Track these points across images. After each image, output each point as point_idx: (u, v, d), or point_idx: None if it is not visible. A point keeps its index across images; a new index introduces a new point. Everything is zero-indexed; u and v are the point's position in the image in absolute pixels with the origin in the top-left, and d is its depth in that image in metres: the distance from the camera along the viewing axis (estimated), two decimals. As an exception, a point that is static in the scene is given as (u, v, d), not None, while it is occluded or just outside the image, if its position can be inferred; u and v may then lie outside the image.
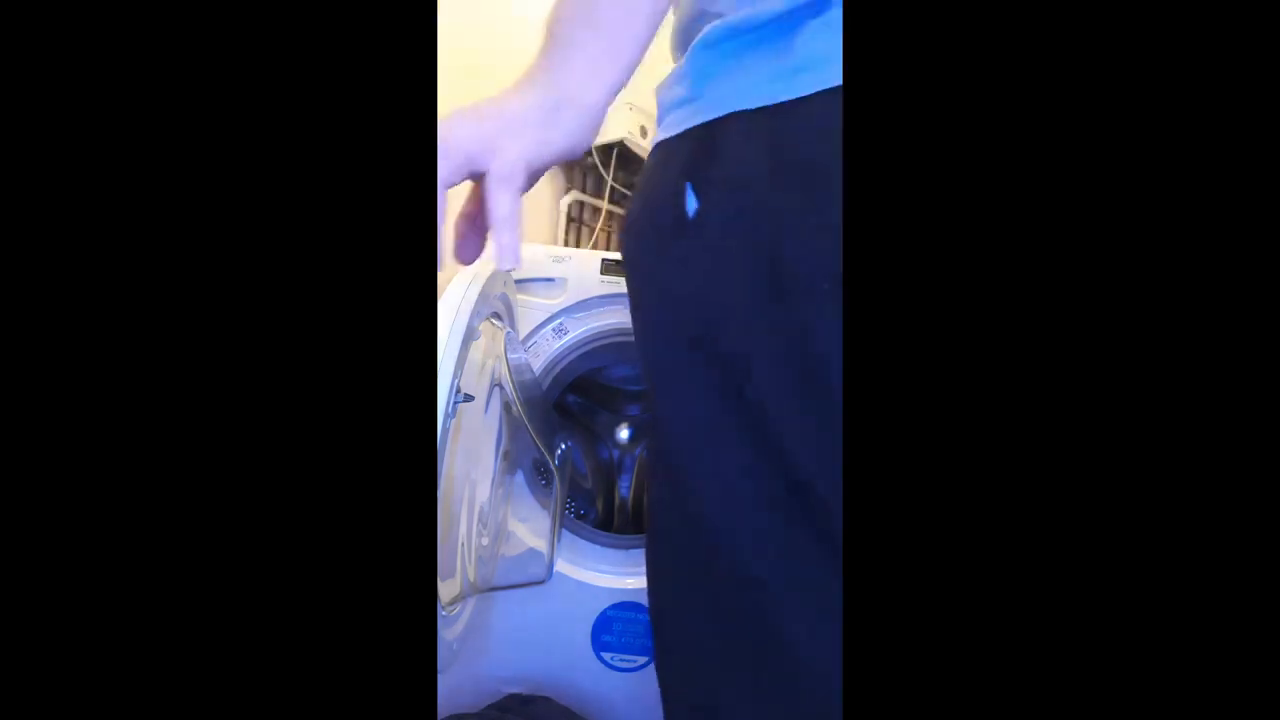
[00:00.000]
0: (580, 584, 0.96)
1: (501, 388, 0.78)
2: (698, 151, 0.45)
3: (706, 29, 0.46)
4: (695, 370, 0.45)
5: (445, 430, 0.59)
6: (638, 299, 0.52)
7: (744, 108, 0.43)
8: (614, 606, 0.96)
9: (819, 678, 0.39)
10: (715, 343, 0.43)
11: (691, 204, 0.44)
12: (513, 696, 0.91)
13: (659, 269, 0.47)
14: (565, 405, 1.19)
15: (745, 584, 0.43)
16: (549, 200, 1.54)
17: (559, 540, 0.94)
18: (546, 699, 0.92)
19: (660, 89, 0.52)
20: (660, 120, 0.51)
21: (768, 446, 0.41)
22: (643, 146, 1.40)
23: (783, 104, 0.41)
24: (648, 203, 0.49)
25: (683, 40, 0.51)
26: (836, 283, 0.36)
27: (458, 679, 0.93)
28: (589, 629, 0.96)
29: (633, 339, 1.02)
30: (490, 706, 0.89)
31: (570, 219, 1.54)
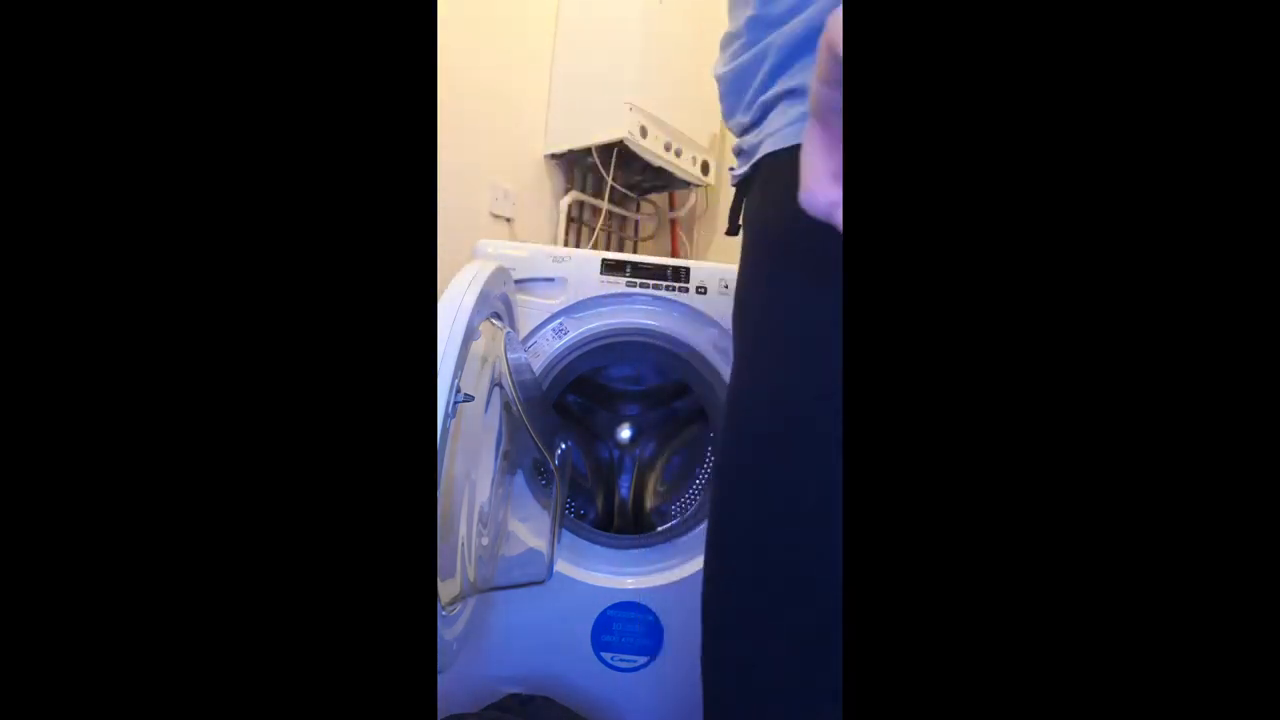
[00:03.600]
0: (580, 584, 0.96)
1: (501, 388, 0.79)
2: None
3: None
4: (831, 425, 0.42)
5: (445, 430, 0.59)
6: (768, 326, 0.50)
7: None
8: (614, 606, 0.96)
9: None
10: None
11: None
12: (512, 696, 0.91)
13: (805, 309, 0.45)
14: (565, 405, 1.19)
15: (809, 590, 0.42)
16: (549, 200, 1.54)
17: (559, 540, 0.94)
18: (546, 699, 0.92)
19: (760, 89, 0.49)
20: (759, 123, 0.48)
21: None
22: (643, 146, 1.40)
23: None
24: (791, 227, 0.46)
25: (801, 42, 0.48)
26: None
27: (458, 679, 0.93)
28: (589, 629, 0.96)
29: (632, 339, 1.02)
30: (490, 707, 0.89)
31: (570, 219, 1.54)
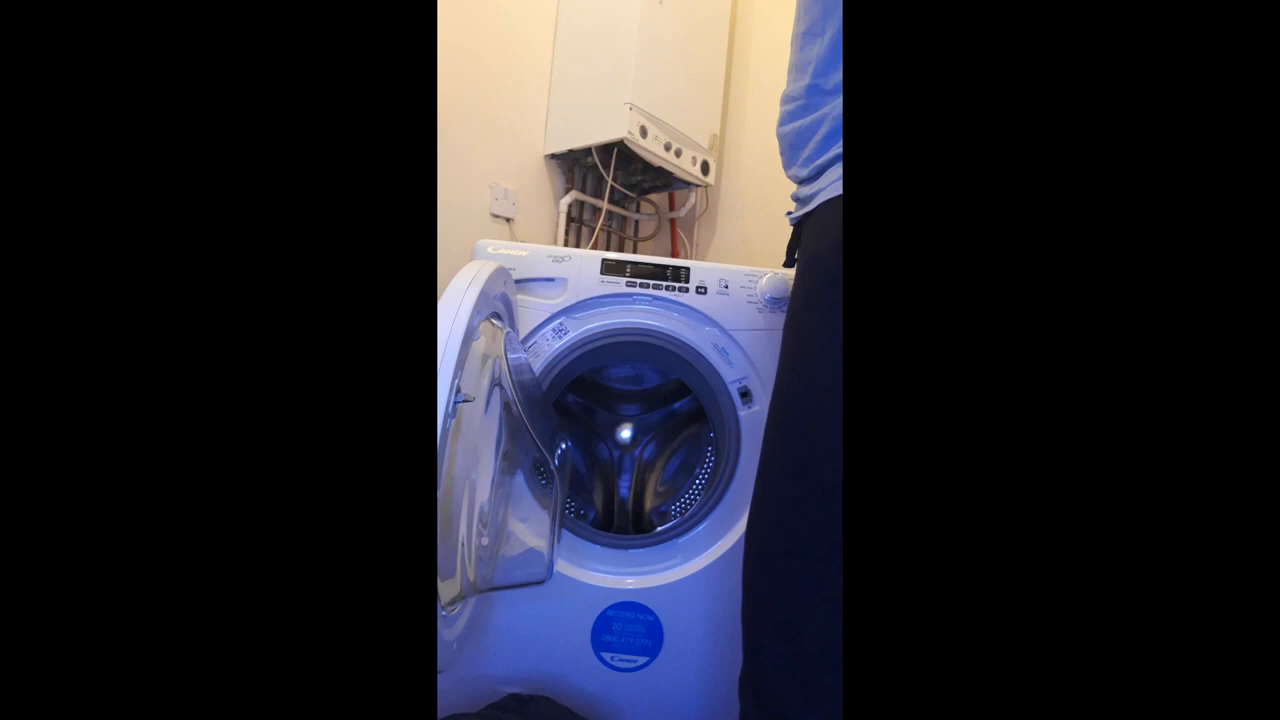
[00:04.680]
0: (580, 584, 0.96)
1: (501, 388, 0.78)
2: None
3: None
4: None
5: (445, 430, 0.59)
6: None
7: None
8: (614, 606, 0.96)
9: None
10: None
11: None
12: (512, 696, 0.91)
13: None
14: (565, 405, 1.19)
15: None
16: (549, 200, 1.54)
17: (559, 540, 0.94)
18: (546, 699, 0.92)
19: (816, 152, 0.60)
20: (815, 179, 0.59)
21: None
22: (643, 146, 1.40)
23: None
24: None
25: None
26: None
27: (458, 679, 0.93)
28: (589, 629, 0.96)
29: (632, 339, 1.02)
30: (490, 706, 0.89)
31: (570, 219, 1.54)
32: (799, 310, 0.64)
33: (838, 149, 0.60)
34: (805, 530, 0.55)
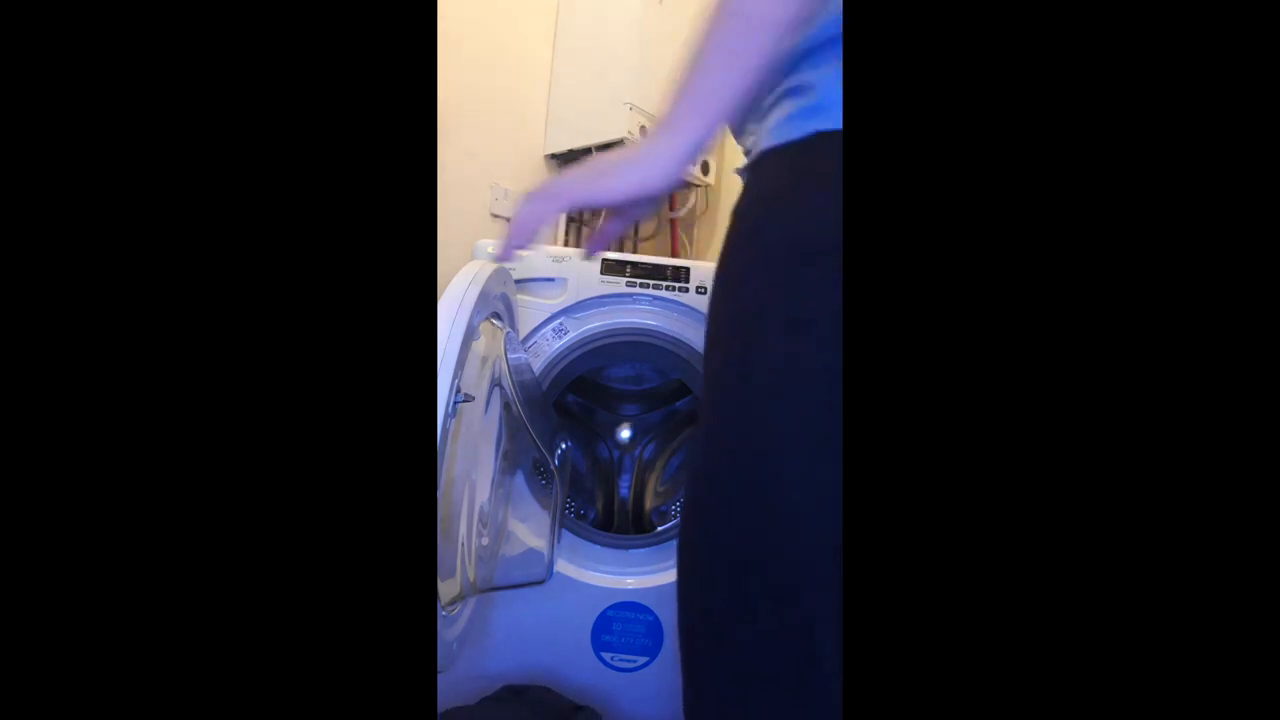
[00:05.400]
0: (580, 584, 0.96)
1: (501, 388, 0.79)
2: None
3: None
4: (805, 369, 0.41)
5: (445, 430, 0.59)
6: (788, 285, 0.46)
7: None
8: (614, 606, 0.96)
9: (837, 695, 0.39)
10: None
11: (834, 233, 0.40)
12: (507, 688, 0.91)
13: (788, 287, 0.44)
14: (565, 405, 1.19)
15: (790, 598, 0.41)
16: (549, 200, 1.54)
17: (559, 540, 0.94)
18: (543, 687, 0.92)
19: (815, 72, 0.48)
20: (822, 109, 0.47)
21: None
22: (643, 146, 1.40)
23: None
24: (784, 217, 0.46)
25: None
26: None
27: (458, 679, 0.93)
28: (589, 629, 0.96)
29: (632, 339, 1.02)
30: (485, 699, 0.89)
31: (570, 219, 1.54)
32: (716, 282, 0.52)
33: (787, 84, 0.50)
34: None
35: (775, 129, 0.49)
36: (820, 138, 0.45)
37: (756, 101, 0.52)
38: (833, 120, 0.44)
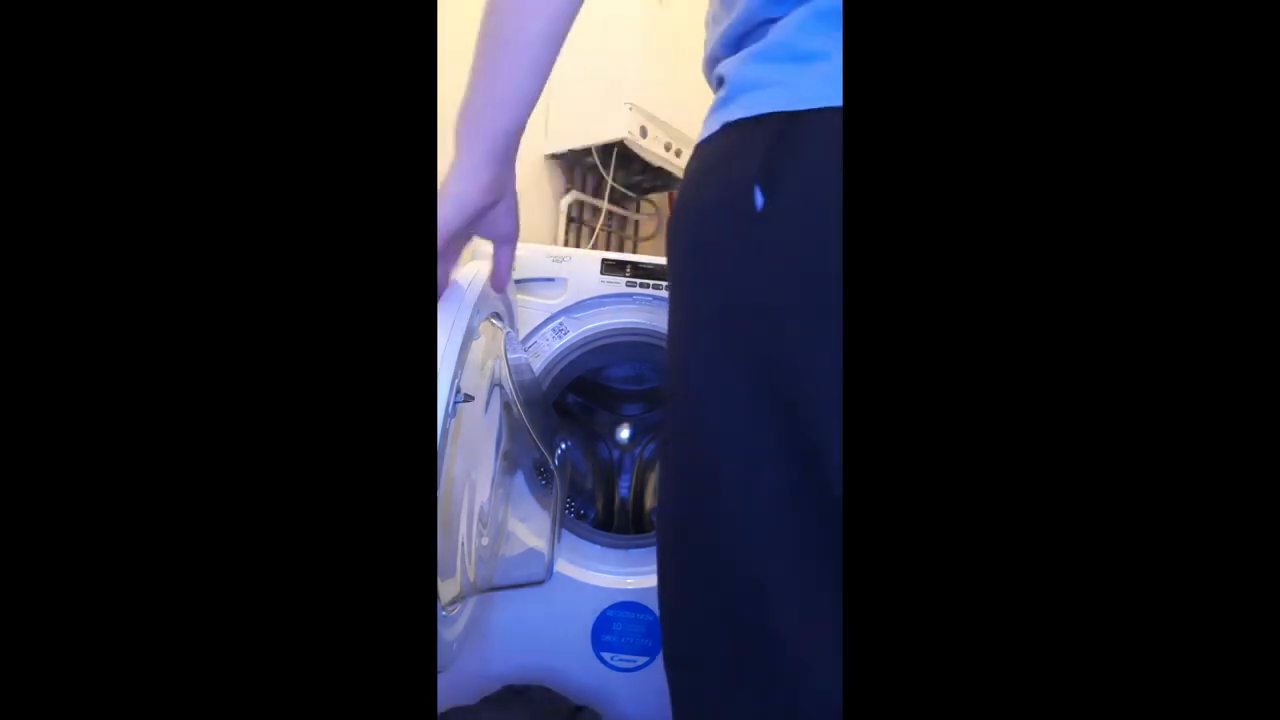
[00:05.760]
0: (580, 584, 0.96)
1: (501, 388, 0.78)
2: (776, 141, 0.42)
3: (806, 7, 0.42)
4: (742, 373, 0.42)
5: (445, 430, 0.59)
6: (688, 288, 0.48)
7: (836, 104, 0.39)
8: (614, 606, 0.96)
9: (821, 694, 0.39)
10: (772, 355, 0.41)
11: (759, 199, 0.41)
12: (507, 688, 0.91)
13: (722, 261, 0.44)
14: (565, 405, 1.19)
15: (757, 591, 0.41)
16: (549, 200, 1.54)
17: (559, 540, 0.94)
18: (542, 687, 0.92)
19: (726, 64, 0.48)
20: (730, 100, 0.47)
21: (815, 465, 0.39)
22: (642, 146, 1.40)
23: None
24: (721, 188, 0.45)
25: (758, 10, 0.46)
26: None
27: (458, 678, 0.93)
28: (589, 629, 0.96)
29: (632, 339, 1.02)
30: (485, 699, 0.89)
31: (570, 219, 1.54)
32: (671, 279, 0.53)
33: (714, 74, 0.49)
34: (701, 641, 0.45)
35: (705, 123, 0.51)
36: (726, 129, 0.46)
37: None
38: (742, 109, 0.45)
